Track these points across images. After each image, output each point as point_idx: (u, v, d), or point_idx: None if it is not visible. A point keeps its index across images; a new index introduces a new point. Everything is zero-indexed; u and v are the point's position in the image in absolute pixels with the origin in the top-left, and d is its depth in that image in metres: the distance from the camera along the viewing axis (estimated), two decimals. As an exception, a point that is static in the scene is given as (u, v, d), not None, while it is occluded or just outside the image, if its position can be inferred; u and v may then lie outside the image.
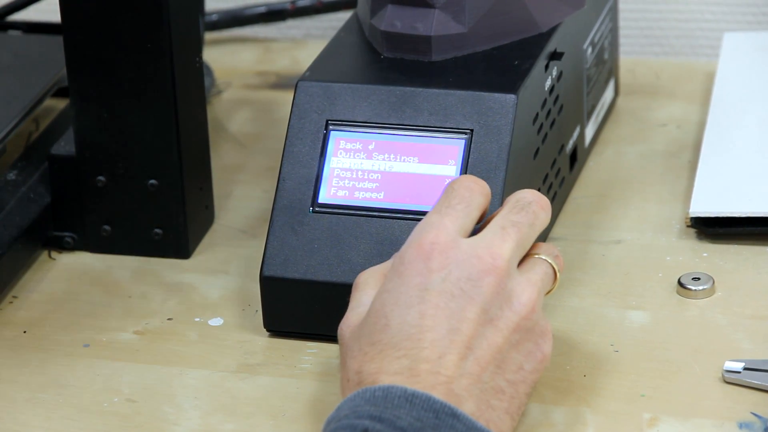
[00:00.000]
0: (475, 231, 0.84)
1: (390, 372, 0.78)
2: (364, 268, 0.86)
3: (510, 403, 0.81)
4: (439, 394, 0.77)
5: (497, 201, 0.88)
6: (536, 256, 0.85)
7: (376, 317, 0.81)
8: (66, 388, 0.91)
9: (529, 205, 0.85)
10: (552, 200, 1.00)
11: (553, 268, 0.85)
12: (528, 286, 0.82)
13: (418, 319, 0.80)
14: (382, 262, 0.85)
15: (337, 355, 0.83)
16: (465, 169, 0.92)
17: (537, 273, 0.84)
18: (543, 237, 0.98)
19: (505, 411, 0.80)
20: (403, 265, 0.81)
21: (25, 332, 0.96)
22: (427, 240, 0.81)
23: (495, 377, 0.80)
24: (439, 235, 0.82)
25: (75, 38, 0.97)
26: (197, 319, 0.96)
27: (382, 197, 0.92)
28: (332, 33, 1.02)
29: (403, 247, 0.82)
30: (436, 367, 0.78)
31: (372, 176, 0.93)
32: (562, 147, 1.02)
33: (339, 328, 0.83)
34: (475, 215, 0.84)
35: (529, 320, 0.82)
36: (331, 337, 0.85)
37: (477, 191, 0.85)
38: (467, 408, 0.78)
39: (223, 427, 0.87)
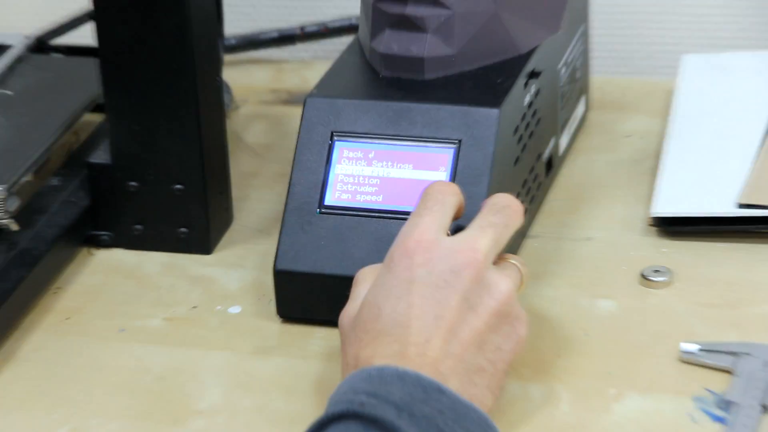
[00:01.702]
0: (459, 230, 0.85)
1: (383, 355, 0.79)
2: (365, 262, 0.87)
3: (490, 380, 0.82)
4: (426, 373, 0.78)
5: (481, 201, 0.88)
6: (509, 260, 0.86)
7: (369, 308, 0.82)
8: (103, 367, 0.92)
9: (504, 208, 0.86)
10: (530, 202, 1.01)
11: (521, 272, 0.85)
12: (504, 277, 0.83)
13: (406, 308, 0.80)
14: (380, 257, 0.85)
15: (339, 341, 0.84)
16: (454, 175, 0.92)
17: (511, 269, 0.85)
18: (522, 235, 1.00)
19: (486, 387, 0.81)
20: (392, 262, 0.82)
21: (67, 319, 0.97)
22: (412, 239, 0.82)
23: (476, 357, 0.81)
24: (422, 235, 0.82)
25: (110, 60, 0.98)
26: (218, 308, 0.97)
27: (380, 200, 0.93)
28: (336, 55, 1.02)
29: (392, 247, 0.83)
30: (423, 349, 0.79)
31: (372, 181, 0.93)
32: (540, 155, 1.03)
33: (339, 318, 0.84)
34: (450, 213, 0.85)
35: (506, 306, 0.82)
36: (336, 323, 0.85)
37: (448, 192, 0.86)
38: (452, 384, 0.79)
39: (241, 402, 0.88)
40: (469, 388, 0.80)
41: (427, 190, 0.86)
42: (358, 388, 0.77)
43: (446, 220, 0.84)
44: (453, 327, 0.80)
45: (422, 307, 0.80)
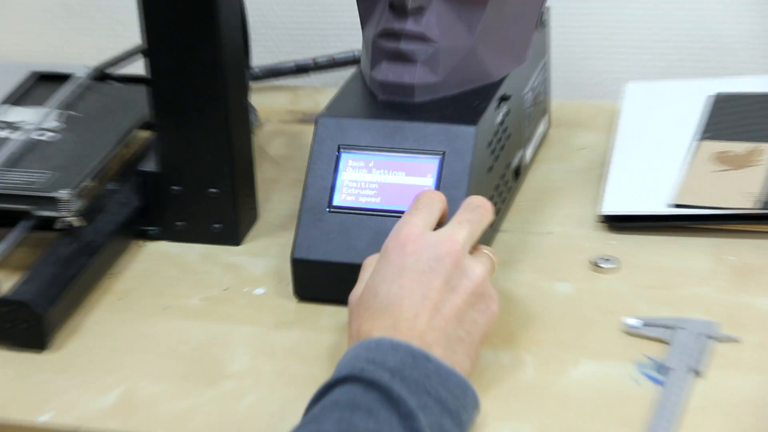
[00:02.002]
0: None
1: (380, 328, 0.79)
2: (366, 252, 0.87)
3: (468, 348, 0.81)
4: (415, 343, 0.78)
5: (461, 202, 0.87)
6: (482, 250, 0.85)
7: (368, 290, 0.82)
8: (150, 339, 0.91)
9: (477, 207, 0.85)
10: (502, 203, 1.00)
11: (492, 260, 0.85)
12: (478, 263, 0.83)
13: (399, 290, 0.80)
14: (378, 247, 0.85)
15: (347, 315, 0.84)
16: (439, 181, 0.91)
17: (484, 257, 0.84)
18: (494, 229, 0.99)
19: (465, 354, 0.81)
20: (387, 252, 0.82)
21: (121, 299, 0.96)
22: (403, 233, 0.82)
23: (456, 329, 0.81)
24: (412, 230, 0.82)
25: (158, 87, 0.98)
26: (245, 289, 0.96)
27: (378, 201, 0.92)
28: (342, 82, 1.02)
29: (387, 239, 0.83)
30: (412, 323, 0.79)
31: (371, 186, 0.93)
32: (509, 164, 1.02)
33: (349, 298, 0.84)
34: (436, 215, 0.85)
35: (481, 287, 0.82)
36: (342, 302, 0.85)
37: (436, 199, 0.86)
38: (436, 352, 0.79)
39: (264, 367, 0.87)
40: (451, 356, 0.80)
41: (419, 196, 0.86)
42: (359, 356, 0.77)
43: (432, 220, 0.84)
44: (437, 304, 0.80)
45: (411, 289, 0.80)
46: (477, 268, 0.82)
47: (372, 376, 0.75)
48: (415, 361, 0.77)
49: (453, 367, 0.78)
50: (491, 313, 0.83)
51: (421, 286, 0.80)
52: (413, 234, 0.82)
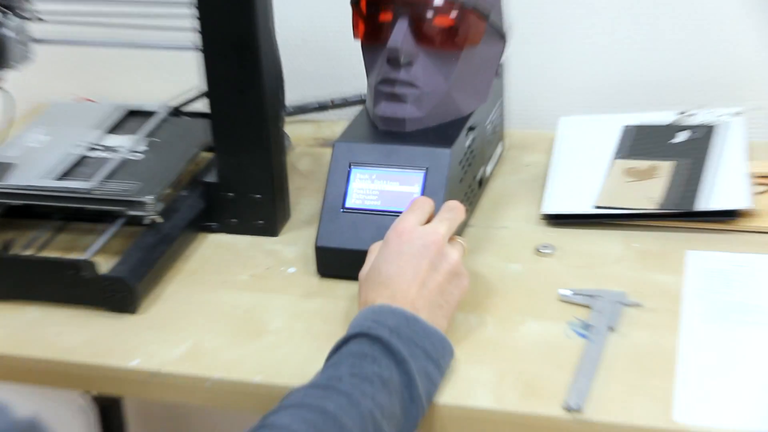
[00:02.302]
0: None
1: (382, 298, 0.79)
2: (371, 242, 0.86)
3: (446, 312, 0.82)
4: (408, 309, 0.78)
5: (440, 204, 0.88)
6: (457, 239, 0.85)
7: (373, 269, 0.82)
8: (212, 305, 0.91)
9: (454, 208, 0.86)
10: (469, 205, 1.00)
11: (464, 247, 0.85)
12: (455, 250, 0.83)
13: (396, 269, 0.80)
14: (379, 238, 0.85)
15: (357, 288, 0.84)
16: (424, 189, 0.91)
17: (458, 245, 0.84)
18: (464, 225, 0.99)
19: (444, 317, 0.81)
20: (388, 241, 0.82)
21: (190, 276, 0.96)
22: (400, 227, 0.82)
23: (437, 299, 0.81)
24: (407, 225, 0.83)
25: (216, 120, 0.97)
26: (281, 269, 0.96)
27: (379, 204, 0.92)
28: (353, 116, 1.01)
29: (389, 231, 0.83)
30: (405, 294, 0.79)
31: (374, 193, 0.92)
32: (475, 176, 1.02)
33: (359, 275, 0.84)
34: (426, 215, 0.85)
35: (456, 268, 0.82)
36: (354, 278, 0.85)
37: (427, 203, 0.86)
38: (423, 315, 0.79)
39: (295, 325, 0.87)
40: (433, 318, 0.80)
41: (415, 201, 0.86)
42: (367, 318, 0.77)
43: (423, 219, 0.84)
44: (424, 280, 0.80)
45: (405, 268, 0.80)
46: (454, 253, 0.82)
47: (376, 333, 0.75)
48: (408, 322, 0.77)
49: (435, 327, 0.79)
50: (463, 287, 0.83)
51: (412, 266, 0.80)
52: (408, 228, 0.82)
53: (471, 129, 0.98)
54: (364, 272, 0.83)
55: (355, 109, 1.14)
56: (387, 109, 0.96)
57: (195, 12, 0.93)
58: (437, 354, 0.77)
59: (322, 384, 0.72)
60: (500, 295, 0.89)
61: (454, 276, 0.82)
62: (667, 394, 0.75)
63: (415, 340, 0.76)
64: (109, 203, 0.97)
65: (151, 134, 1.10)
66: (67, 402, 1.48)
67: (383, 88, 0.96)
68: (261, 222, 1.01)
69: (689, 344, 0.80)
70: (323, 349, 0.78)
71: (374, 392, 0.71)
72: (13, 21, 0.96)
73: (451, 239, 0.84)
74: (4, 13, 0.96)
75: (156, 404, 1.52)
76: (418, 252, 0.81)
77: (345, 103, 1.22)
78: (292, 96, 1.25)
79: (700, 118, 1.09)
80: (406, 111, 0.95)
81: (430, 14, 0.93)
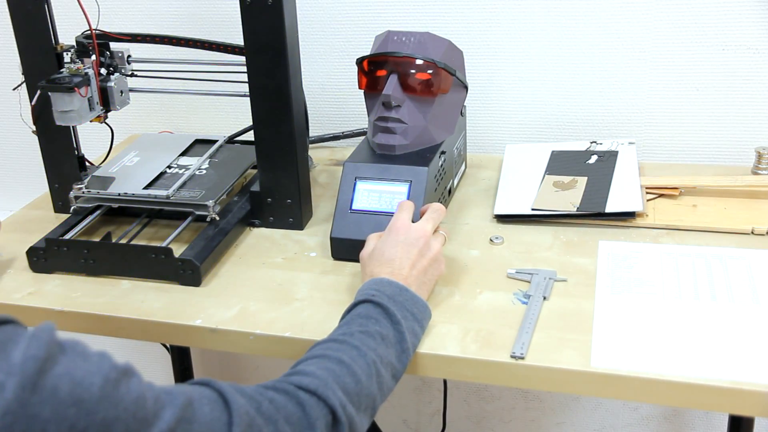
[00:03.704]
0: (416, 220, 0.81)
1: (383, 273, 0.77)
2: (370, 233, 0.83)
3: (428, 287, 0.79)
4: (401, 283, 0.76)
5: (419, 206, 0.85)
6: (439, 231, 0.82)
7: (377, 251, 0.79)
8: (255, 279, 0.88)
9: (437, 210, 0.83)
10: (442, 208, 0.97)
11: (445, 238, 0.82)
12: (437, 242, 0.80)
13: (394, 253, 0.78)
14: (377, 231, 0.82)
15: (359, 268, 0.80)
16: (408, 196, 0.88)
17: (441, 236, 0.82)
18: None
19: (426, 291, 0.79)
20: (391, 231, 0.80)
21: (239, 258, 0.93)
22: (396, 224, 0.80)
23: (423, 277, 0.78)
24: (401, 222, 0.80)
25: (259, 147, 0.94)
26: (306, 253, 0.93)
27: (376, 206, 0.89)
28: (357, 144, 0.98)
29: (389, 225, 0.81)
30: (400, 272, 0.77)
31: (373, 198, 0.89)
32: (446, 187, 0.99)
33: (360, 256, 0.81)
34: (412, 212, 0.83)
35: (437, 255, 0.80)
36: (358, 260, 0.82)
37: (410, 204, 0.84)
38: (413, 288, 0.77)
39: (315, 295, 0.84)
40: (419, 290, 0.78)
41: (401, 203, 0.84)
42: (371, 288, 0.75)
43: (411, 216, 0.82)
44: (414, 263, 0.78)
45: (401, 254, 0.78)
46: (436, 245, 0.80)
47: (378, 300, 0.73)
48: (401, 292, 0.75)
49: (420, 296, 0.76)
50: (441, 270, 0.81)
51: (406, 252, 0.78)
52: (404, 224, 0.80)
53: (443, 153, 0.96)
54: (366, 253, 0.80)
55: (359, 139, 1.12)
56: (382, 138, 0.93)
57: (246, 69, 0.91)
58: (421, 316, 0.75)
59: (338, 339, 0.70)
60: (464, 273, 0.86)
61: (435, 261, 0.80)
62: (587, 345, 0.73)
63: (406, 306, 0.74)
64: (182, 206, 0.95)
65: (212, 156, 1.07)
66: (150, 351, 1.47)
67: (379, 124, 0.94)
68: (291, 219, 0.98)
69: (602, 309, 0.78)
70: (337, 313, 0.75)
71: (376, 346, 0.69)
72: (115, 77, 0.97)
73: (434, 232, 0.82)
74: (109, 72, 0.97)
75: (214, 352, 1.49)
76: (411, 242, 0.78)
77: (352, 134, 1.20)
78: (314, 129, 1.23)
79: (605, 146, 1.08)
80: (396, 140, 0.93)
81: (413, 71, 0.92)
